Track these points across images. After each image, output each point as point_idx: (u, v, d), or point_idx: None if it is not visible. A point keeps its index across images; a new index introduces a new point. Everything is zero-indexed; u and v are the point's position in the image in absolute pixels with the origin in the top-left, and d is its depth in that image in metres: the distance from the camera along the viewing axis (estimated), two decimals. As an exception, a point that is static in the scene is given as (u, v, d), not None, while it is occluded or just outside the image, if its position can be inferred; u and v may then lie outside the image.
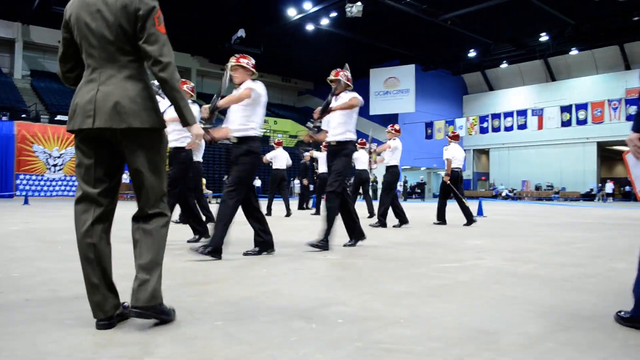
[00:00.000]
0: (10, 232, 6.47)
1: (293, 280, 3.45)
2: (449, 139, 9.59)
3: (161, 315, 2.18)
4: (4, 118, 22.98)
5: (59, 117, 24.99)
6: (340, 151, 5.24)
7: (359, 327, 2.25)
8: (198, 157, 6.56)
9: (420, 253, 5.00)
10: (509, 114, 30.59)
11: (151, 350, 1.89)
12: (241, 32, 29.64)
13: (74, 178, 22.89)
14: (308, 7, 27.35)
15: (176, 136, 5.60)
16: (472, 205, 9.83)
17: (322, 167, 11.25)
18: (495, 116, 31.09)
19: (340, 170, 5.17)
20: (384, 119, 37.10)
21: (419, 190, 36.93)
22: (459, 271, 3.90)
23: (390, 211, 8.43)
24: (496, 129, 30.93)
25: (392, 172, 8.41)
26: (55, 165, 22.93)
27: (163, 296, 2.20)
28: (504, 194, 35.85)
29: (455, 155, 9.15)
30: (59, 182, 22.84)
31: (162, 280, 2.19)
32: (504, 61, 36.42)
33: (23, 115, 24.35)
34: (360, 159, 10.42)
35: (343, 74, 5.47)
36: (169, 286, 3.08)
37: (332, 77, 5.51)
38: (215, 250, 4.27)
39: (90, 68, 2.18)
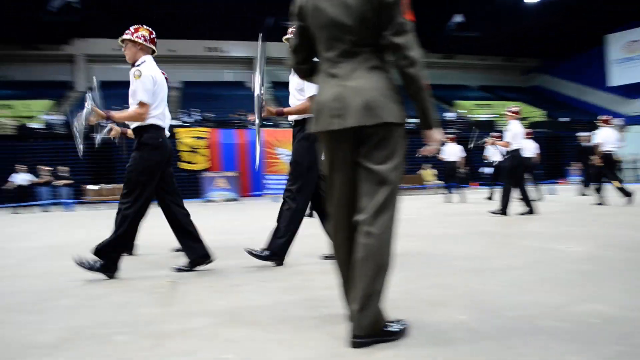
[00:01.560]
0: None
1: (534, 273, 3.26)
2: (601, 124, 9.90)
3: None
4: (252, 127, 26.39)
5: (295, 122, 27.76)
6: None
7: (619, 328, 2.04)
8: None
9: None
10: None
11: (398, 343, 2.00)
12: (459, 18, 28.93)
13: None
14: (529, -23, 25.43)
15: None
16: None
17: (450, 156, 12.60)
18: None
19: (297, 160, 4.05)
20: (627, 89, 32.43)
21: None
22: None
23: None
24: None
25: (514, 157, 8.17)
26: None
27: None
28: None
29: (606, 139, 9.45)
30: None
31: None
32: None
33: (268, 123, 27.54)
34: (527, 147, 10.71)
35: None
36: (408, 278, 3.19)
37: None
38: None
39: (329, 61, 2.02)
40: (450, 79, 36.00)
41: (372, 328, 1.91)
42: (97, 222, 9.85)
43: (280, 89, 35.81)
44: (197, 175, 21.93)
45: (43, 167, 18.09)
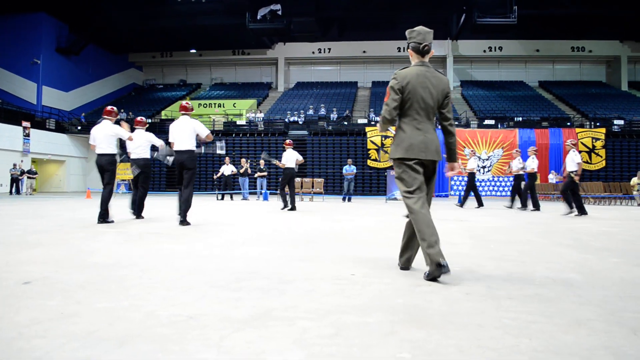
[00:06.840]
0: (451, 230, 7.20)
1: None
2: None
3: None
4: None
5: (486, 122, 26.59)
6: None
7: None
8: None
9: None
10: None
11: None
12: None
13: (501, 179, 23.93)
14: None
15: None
16: None
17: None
18: None
19: None
20: None
21: None
22: None
23: None
24: None
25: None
26: (484, 167, 24.42)
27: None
28: None
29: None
30: (487, 183, 24.16)
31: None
32: None
33: (455, 123, 26.86)
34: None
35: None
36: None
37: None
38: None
39: (416, 121, 3.52)
40: None
41: None
42: (288, 215, 10.55)
43: (469, 87, 34.73)
44: (384, 173, 22.28)
45: (243, 160, 20.04)
